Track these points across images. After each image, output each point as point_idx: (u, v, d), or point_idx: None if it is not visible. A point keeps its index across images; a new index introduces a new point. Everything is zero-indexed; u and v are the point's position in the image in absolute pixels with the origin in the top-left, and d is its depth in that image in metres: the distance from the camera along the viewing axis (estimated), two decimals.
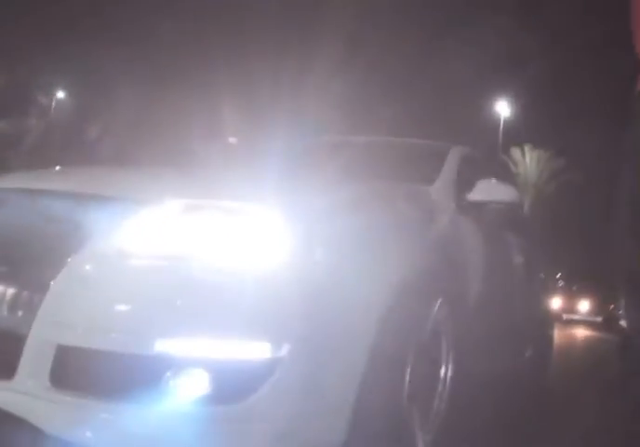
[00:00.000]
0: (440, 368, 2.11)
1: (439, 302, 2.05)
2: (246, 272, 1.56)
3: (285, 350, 1.53)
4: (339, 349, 1.62)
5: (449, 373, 2.13)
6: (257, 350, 1.52)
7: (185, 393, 1.49)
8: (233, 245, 1.60)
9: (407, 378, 1.77)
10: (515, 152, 28.52)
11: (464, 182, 2.63)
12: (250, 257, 1.58)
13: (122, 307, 1.53)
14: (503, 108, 25.98)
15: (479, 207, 2.56)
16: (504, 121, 25.75)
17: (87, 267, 1.58)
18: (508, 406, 2.92)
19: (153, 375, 1.48)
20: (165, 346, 1.48)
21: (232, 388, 1.49)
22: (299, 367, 1.55)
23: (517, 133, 26.21)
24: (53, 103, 23.69)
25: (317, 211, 1.70)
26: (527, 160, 28.69)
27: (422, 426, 1.93)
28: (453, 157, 2.83)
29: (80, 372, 1.51)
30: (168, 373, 1.48)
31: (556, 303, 15.29)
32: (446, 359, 2.13)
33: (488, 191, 2.57)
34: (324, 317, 1.60)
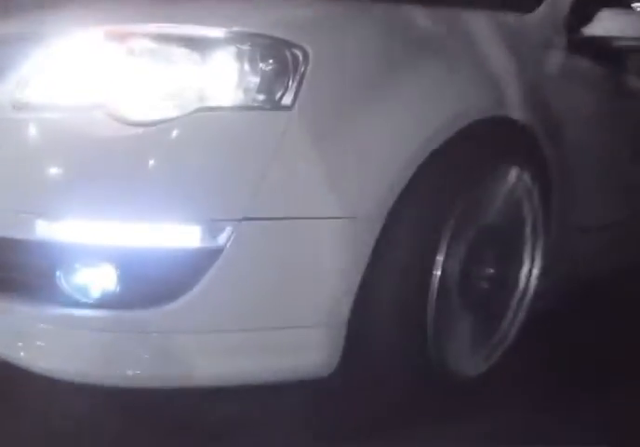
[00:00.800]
0: (520, 267, 1.51)
1: (516, 172, 1.42)
2: (173, 125, 1.05)
3: (224, 237, 1.04)
4: (323, 232, 1.10)
5: (535, 275, 1.52)
6: (183, 237, 1.04)
7: (86, 293, 1.06)
8: (161, 87, 1.08)
9: (437, 275, 1.21)
10: None
11: (585, 12, 1.85)
12: (185, 104, 1.06)
13: (3, 177, 1.11)
14: None
15: (601, 45, 1.79)
16: None
17: None
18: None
19: (46, 268, 1.06)
20: (56, 231, 1.04)
21: (148, 288, 1.04)
22: (248, 260, 1.06)
23: None
24: None
25: (298, 34, 1.12)
26: None
27: (477, 349, 1.39)
28: None
29: None
30: (64, 267, 1.06)
31: None
32: (530, 255, 1.52)
33: (614, 23, 1.78)
34: (295, 186, 1.07)
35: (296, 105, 1.07)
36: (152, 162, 1.04)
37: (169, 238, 1.04)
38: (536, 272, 1.50)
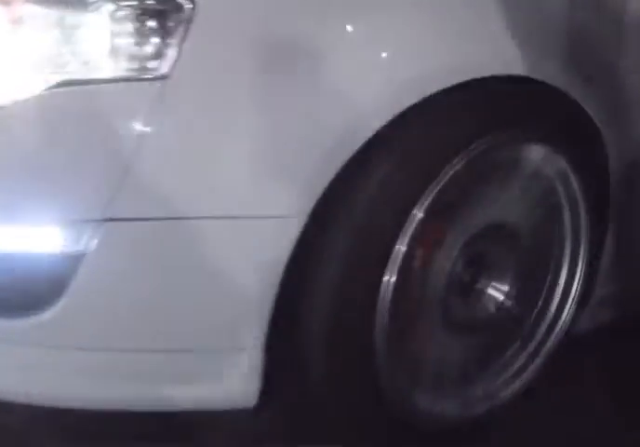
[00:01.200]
0: (554, 279, 1.15)
1: (542, 153, 1.06)
2: (23, 106, 0.85)
3: (84, 241, 0.85)
4: (216, 235, 0.86)
5: (574, 289, 1.15)
6: (43, 240, 0.87)
7: None
8: (26, 60, 0.88)
9: (391, 283, 0.92)
10: None
11: None
12: (46, 78, 0.86)
13: None
14: None
15: None
16: None
17: None
18: None
19: None
20: None
21: (15, 297, 0.89)
22: (119, 269, 0.86)
23: None
24: None
25: None
26: None
27: (475, 385, 1.07)
28: None
29: None
30: None
31: None
32: (569, 263, 1.15)
33: None
34: (173, 179, 0.84)
35: (174, 73, 0.83)
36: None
37: (30, 242, 0.87)
38: (575, 286, 1.14)
